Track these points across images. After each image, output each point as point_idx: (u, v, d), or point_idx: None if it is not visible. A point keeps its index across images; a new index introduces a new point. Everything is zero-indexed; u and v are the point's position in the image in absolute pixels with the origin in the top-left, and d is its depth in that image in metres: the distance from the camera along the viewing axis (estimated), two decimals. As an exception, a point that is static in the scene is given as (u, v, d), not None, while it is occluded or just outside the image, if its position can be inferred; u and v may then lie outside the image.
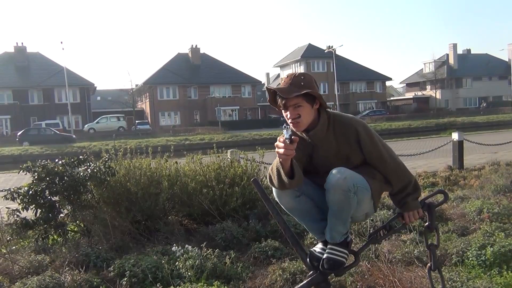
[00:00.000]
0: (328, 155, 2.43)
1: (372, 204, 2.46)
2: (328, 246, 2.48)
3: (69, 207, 4.48)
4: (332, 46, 49.75)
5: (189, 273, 3.24)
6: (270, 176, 2.40)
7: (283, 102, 2.33)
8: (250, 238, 4.22)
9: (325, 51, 50.63)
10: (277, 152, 2.19)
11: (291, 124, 2.38)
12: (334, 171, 2.32)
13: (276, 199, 2.50)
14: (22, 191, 4.25)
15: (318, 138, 2.41)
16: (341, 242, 2.46)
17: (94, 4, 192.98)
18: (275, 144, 2.21)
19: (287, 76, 2.41)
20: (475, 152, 11.24)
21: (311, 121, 2.39)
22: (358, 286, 3.01)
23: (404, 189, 2.46)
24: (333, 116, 2.45)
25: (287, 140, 2.15)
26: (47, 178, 4.27)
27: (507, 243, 3.40)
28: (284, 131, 2.18)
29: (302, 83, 2.34)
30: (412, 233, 3.94)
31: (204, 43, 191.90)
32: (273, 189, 2.48)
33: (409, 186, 2.46)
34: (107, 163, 4.55)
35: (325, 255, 2.47)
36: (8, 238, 4.18)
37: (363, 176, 2.34)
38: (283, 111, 2.41)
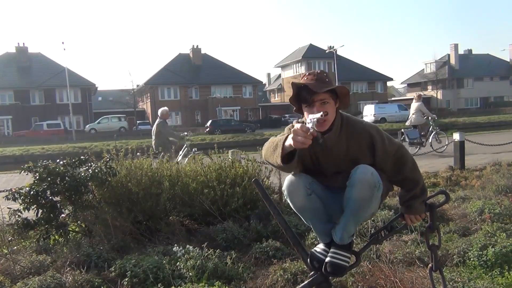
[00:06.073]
0: (338, 157, 2.39)
1: (379, 203, 2.43)
2: (332, 250, 2.46)
3: (70, 208, 4.48)
4: (333, 47, 49.73)
5: (190, 273, 3.23)
6: (266, 146, 2.33)
7: (311, 97, 2.25)
8: (251, 238, 4.22)
9: (326, 52, 50.59)
10: (294, 138, 2.03)
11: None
12: (360, 167, 2.28)
13: (287, 198, 2.46)
14: (24, 192, 4.25)
15: (332, 141, 2.35)
16: (346, 245, 2.45)
17: (95, 4, 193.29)
18: (293, 129, 2.06)
19: (309, 73, 2.34)
20: (476, 152, 11.20)
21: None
22: (359, 287, 3.01)
23: (412, 190, 2.44)
24: (346, 118, 2.40)
25: (313, 131, 2.02)
26: (49, 179, 4.28)
27: (508, 243, 3.39)
28: (310, 123, 2.06)
29: (327, 80, 2.31)
30: (413, 234, 3.93)
31: (205, 43, 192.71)
32: (285, 188, 2.43)
33: (417, 188, 2.43)
34: (108, 164, 4.55)
35: (328, 259, 2.44)
36: (9, 239, 4.19)
37: None
38: (306, 110, 2.31)
